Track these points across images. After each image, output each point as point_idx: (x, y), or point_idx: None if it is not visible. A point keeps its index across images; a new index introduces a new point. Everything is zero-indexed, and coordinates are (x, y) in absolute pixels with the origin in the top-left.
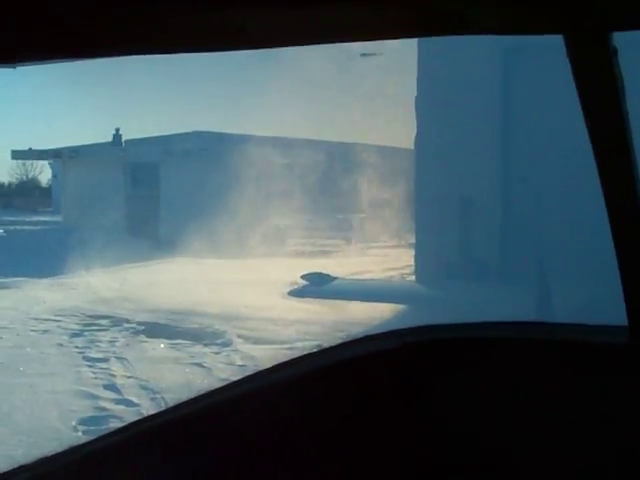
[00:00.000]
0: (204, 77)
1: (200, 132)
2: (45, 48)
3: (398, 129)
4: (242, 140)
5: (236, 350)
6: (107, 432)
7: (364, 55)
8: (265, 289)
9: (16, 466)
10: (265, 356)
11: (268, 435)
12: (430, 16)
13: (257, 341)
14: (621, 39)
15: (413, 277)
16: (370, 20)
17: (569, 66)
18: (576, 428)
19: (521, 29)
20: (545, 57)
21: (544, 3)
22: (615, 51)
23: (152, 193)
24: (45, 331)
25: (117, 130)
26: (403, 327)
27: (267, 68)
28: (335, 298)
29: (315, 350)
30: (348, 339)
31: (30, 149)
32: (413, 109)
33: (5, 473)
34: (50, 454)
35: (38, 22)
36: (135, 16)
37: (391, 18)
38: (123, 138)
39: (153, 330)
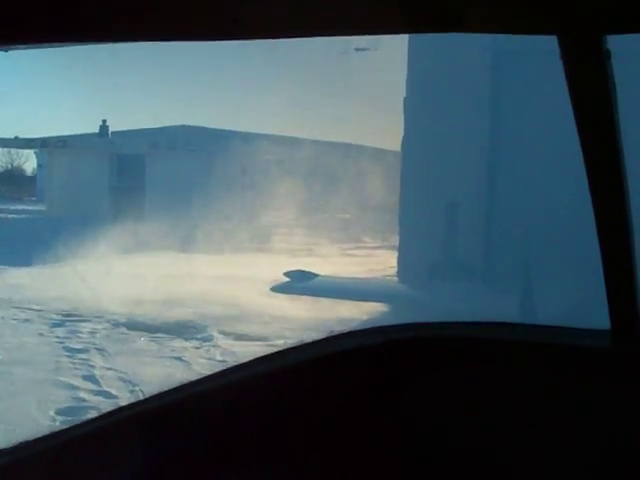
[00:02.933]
0: (193, 71)
1: (187, 126)
2: (37, 32)
3: (386, 130)
4: (229, 135)
5: (216, 345)
6: (86, 419)
7: (358, 50)
8: (248, 285)
9: None
10: (246, 352)
11: (247, 427)
12: (425, 13)
13: (238, 337)
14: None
15: (396, 278)
16: (365, 14)
17: (561, 69)
18: (557, 429)
19: (516, 29)
20: (535, 61)
21: (539, 4)
22: (608, 53)
23: (137, 185)
24: (26, 320)
25: (104, 121)
26: (386, 324)
27: (257, 63)
28: (317, 295)
29: (297, 344)
30: (331, 334)
31: (16, 137)
32: (401, 110)
33: None
34: (30, 439)
35: (31, 6)
36: (131, 2)
37: (386, 13)
38: (110, 129)
39: (134, 323)
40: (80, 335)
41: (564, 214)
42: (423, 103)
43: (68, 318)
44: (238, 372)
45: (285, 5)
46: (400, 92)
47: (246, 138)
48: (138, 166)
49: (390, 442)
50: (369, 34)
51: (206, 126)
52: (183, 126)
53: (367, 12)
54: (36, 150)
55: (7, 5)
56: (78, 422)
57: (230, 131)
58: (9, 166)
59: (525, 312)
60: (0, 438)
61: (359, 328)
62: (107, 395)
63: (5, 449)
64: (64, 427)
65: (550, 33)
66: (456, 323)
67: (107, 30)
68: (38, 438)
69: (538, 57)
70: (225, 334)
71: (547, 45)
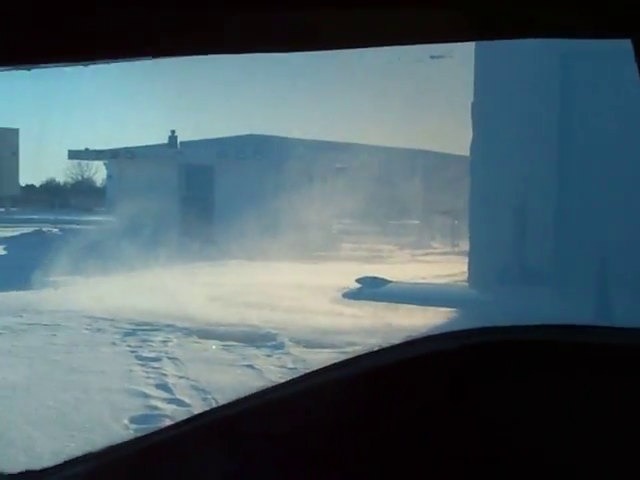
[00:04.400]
0: (261, 80)
1: (255, 135)
2: (63, 51)
3: (454, 135)
4: (297, 144)
5: (288, 353)
6: (162, 427)
7: (434, 57)
8: (319, 292)
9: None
10: (317, 359)
11: (319, 435)
12: (493, 18)
13: (309, 344)
14: None
15: (466, 283)
16: (436, 23)
17: (632, 69)
18: (628, 433)
19: (587, 33)
20: (604, 63)
21: (612, 6)
22: None
23: (206, 195)
24: (98, 330)
25: (173, 132)
26: (461, 329)
27: (328, 71)
28: (389, 301)
29: (370, 350)
30: (405, 340)
31: (86, 149)
32: (469, 115)
33: (69, 462)
34: (104, 447)
35: (55, 26)
36: (204, 17)
37: (455, 20)
38: (178, 140)
39: (206, 331)
40: (152, 344)
41: (637, 217)
42: (491, 107)
43: (139, 327)
44: (311, 379)
45: (364, 15)
46: (468, 96)
47: (315, 146)
48: (207, 176)
49: (464, 448)
50: (440, 42)
51: (274, 135)
52: (251, 135)
53: (437, 21)
54: (106, 162)
55: (29, 25)
56: (153, 430)
57: (299, 139)
58: (79, 178)
59: (600, 315)
60: (74, 446)
61: (432, 333)
62: (180, 403)
63: (78, 457)
64: (139, 435)
65: (623, 36)
66: (528, 327)
67: (174, 46)
68: (113, 446)
69: (608, 58)
70: (296, 342)
71: (617, 46)
